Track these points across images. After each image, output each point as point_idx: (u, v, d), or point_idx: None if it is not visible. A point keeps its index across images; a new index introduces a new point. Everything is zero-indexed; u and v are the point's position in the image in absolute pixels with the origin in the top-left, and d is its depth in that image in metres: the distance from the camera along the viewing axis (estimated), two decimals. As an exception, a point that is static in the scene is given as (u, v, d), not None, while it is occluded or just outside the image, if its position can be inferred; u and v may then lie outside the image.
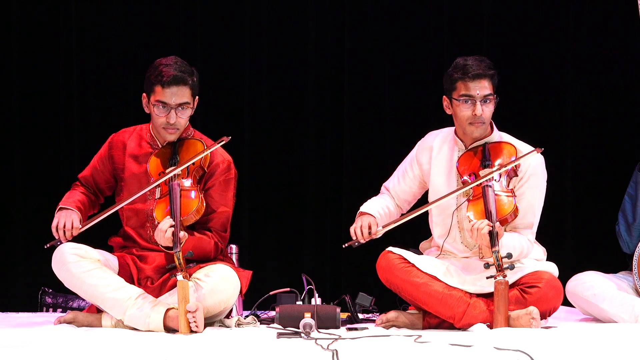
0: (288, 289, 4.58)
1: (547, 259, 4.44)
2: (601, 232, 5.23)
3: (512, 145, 4.37)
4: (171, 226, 4.13)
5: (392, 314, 4.34)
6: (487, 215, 4.18)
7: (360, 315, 4.65)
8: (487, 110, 4.32)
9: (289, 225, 5.64)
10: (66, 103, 5.53)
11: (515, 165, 4.28)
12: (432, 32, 5.57)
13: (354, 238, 4.33)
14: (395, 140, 5.50)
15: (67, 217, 4.27)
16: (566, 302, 4.47)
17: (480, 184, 4.24)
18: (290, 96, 5.65)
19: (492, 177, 4.24)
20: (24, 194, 5.52)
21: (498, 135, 4.42)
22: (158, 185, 4.30)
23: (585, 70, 5.52)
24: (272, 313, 4.56)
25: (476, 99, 4.29)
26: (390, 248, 4.38)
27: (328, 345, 3.56)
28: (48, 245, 4.25)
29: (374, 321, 4.47)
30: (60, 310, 5.08)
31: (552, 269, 4.35)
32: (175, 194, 4.22)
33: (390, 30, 5.58)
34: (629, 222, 4.48)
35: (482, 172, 4.27)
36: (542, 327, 4.13)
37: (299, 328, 3.93)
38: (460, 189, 4.30)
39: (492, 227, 4.12)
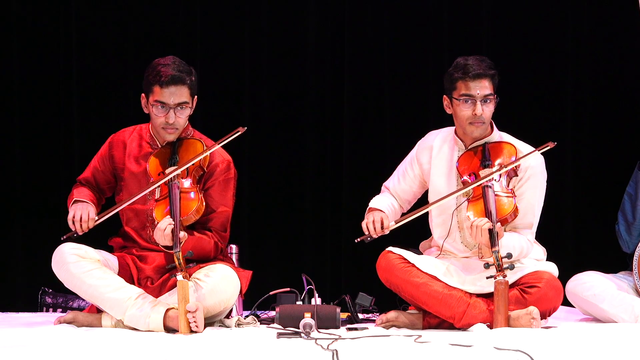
0: (288, 289, 4.57)
1: (547, 259, 4.44)
2: (601, 232, 5.22)
3: (512, 145, 4.36)
4: (170, 224, 4.13)
5: (392, 314, 4.33)
6: (487, 215, 4.18)
7: (360, 315, 4.64)
8: (487, 110, 4.32)
9: (289, 225, 5.63)
10: (66, 103, 5.52)
11: (516, 165, 4.28)
12: (432, 32, 5.57)
13: (366, 233, 4.33)
14: (395, 140, 5.50)
15: (83, 210, 4.26)
16: (566, 302, 4.47)
17: (481, 184, 4.24)
18: (290, 96, 5.64)
19: (492, 177, 4.24)
20: (24, 194, 5.51)
21: (498, 135, 4.42)
22: (158, 186, 4.29)
23: (585, 70, 5.52)
24: (272, 313, 4.56)
25: (476, 98, 4.29)
26: (390, 248, 4.38)
27: (328, 345, 3.56)
28: (65, 237, 4.24)
29: (374, 321, 4.47)
30: (60, 310, 5.07)
31: (552, 269, 4.35)
32: (175, 194, 4.22)
33: (390, 29, 5.58)
34: (628, 221, 4.48)
35: (482, 172, 4.27)
36: (542, 327, 4.13)
37: (299, 328, 3.93)
38: (461, 190, 4.30)
39: (492, 226, 4.12)
